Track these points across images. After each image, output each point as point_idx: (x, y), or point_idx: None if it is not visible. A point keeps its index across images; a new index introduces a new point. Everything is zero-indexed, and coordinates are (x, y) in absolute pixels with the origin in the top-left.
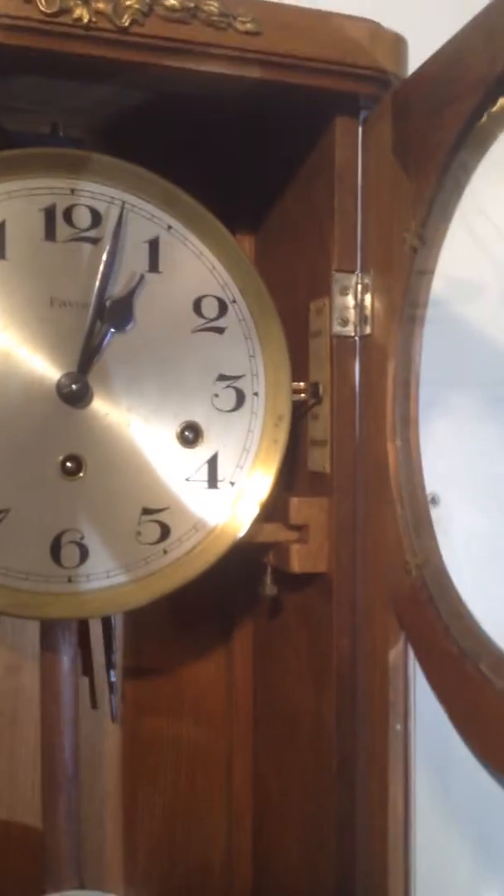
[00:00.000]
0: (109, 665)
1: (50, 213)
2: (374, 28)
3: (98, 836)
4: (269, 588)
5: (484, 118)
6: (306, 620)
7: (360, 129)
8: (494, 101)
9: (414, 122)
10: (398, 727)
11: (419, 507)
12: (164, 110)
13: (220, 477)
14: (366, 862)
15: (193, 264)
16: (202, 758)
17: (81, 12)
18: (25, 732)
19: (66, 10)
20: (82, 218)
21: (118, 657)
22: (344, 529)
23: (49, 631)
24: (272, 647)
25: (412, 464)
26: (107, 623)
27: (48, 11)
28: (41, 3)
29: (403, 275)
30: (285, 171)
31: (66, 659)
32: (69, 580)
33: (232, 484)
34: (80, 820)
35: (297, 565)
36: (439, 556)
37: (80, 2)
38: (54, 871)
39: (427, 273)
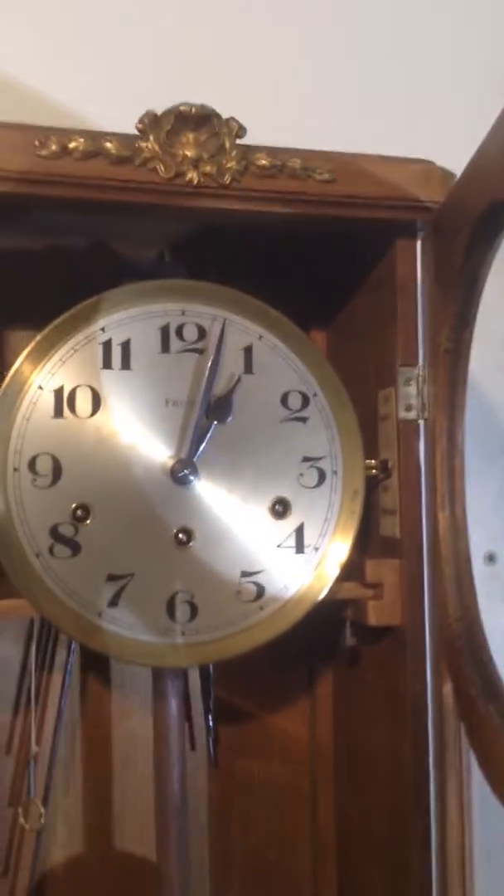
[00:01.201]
0: (207, 710)
1: (165, 331)
2: (429, 167)
3: (195, 868)
4: (349, 639)
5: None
6: (382, 668)
7: (418, 247)
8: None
9: (440, 246)
10: (458, 760)
11: (462, 568)
12: (253, 238)
13: (306, 543)
14: (440, 876)
15: (281, 365)
16: (289, 795)
17: (192, 175)
18: (136, 771)
19: (180, 174)
20: (191, 333)
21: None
22: (413, 587)
23: (160, 679)
24: (351, 693)
25: (458, 530)
26: (205, 672)
27: (166, 177)
28: (161, 171)
29: (443, 371)
30: (354, 279)
31: (175, 704)
32: (182, 633)
33: (316, 549)
34: (189, 847)
35: (373, 619)
36: (476, 610)
37: (191, 167)
38: (167, 891)
39: (460, 370)
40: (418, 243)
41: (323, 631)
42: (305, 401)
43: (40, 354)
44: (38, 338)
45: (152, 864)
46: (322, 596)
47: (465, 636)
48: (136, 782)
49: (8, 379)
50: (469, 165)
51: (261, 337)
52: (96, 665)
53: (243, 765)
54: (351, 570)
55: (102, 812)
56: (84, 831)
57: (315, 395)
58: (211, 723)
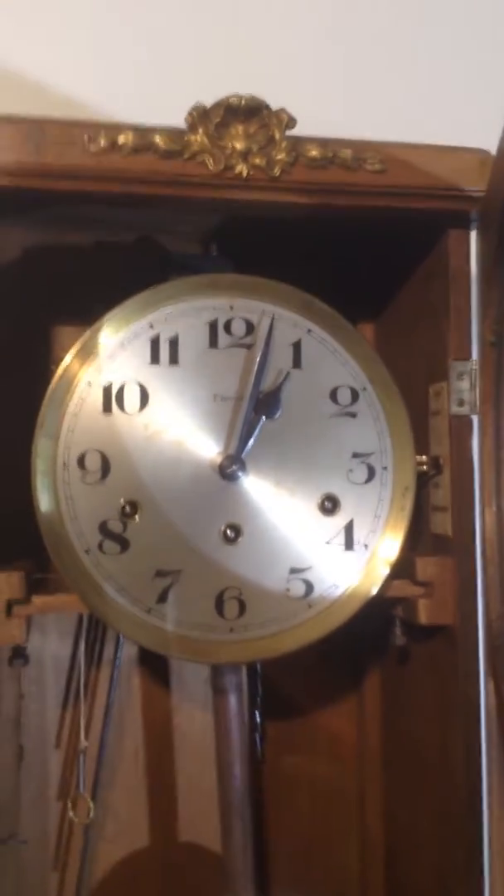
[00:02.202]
0: (254, 707)
1: (213, 327)
2: (483, 156)
3: None
4: (399, 638)
5: None
6: (433, 667)
7: (470, 238)
8: None
9: (482, 237)
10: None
11: None
12: (301, 230)
13: (355, 540)
14: (491, 880)
15: (330, 360)
16: (336, 794)
17: (242, 168)
18: (187, 767)
19: (230, 167)
20: (239, 328)
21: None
22: (465, 585)
23: (219, 676)
24: (400, 692)
25: (502, 528)
26: (252, 670)
27: (216, 170)
28: (210, 164)
29: (489, 365)
30: (403, 270)
31: (234, 698)
32: (231, 630)
33: (366, 546)
34: (252, 838)
35: (424, 618)
36: None
37: (240, 159)
38: (232, 886)
39: None
40: (472, 234)
41: (372, 628)
42: (355, 396)
43: (89, 351)
44: (87, 334)
45: (202, 859)
46: (372, 594)
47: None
48: (188, 778)
49: (57, 375)
50: (498, 154)
51: (309, 331)
52: (147, 660)
53: (290, 762)
54: (401, 568)
55: (152, 807)
56: (132, 827)
57: (364, 389)
58: (258, 719)
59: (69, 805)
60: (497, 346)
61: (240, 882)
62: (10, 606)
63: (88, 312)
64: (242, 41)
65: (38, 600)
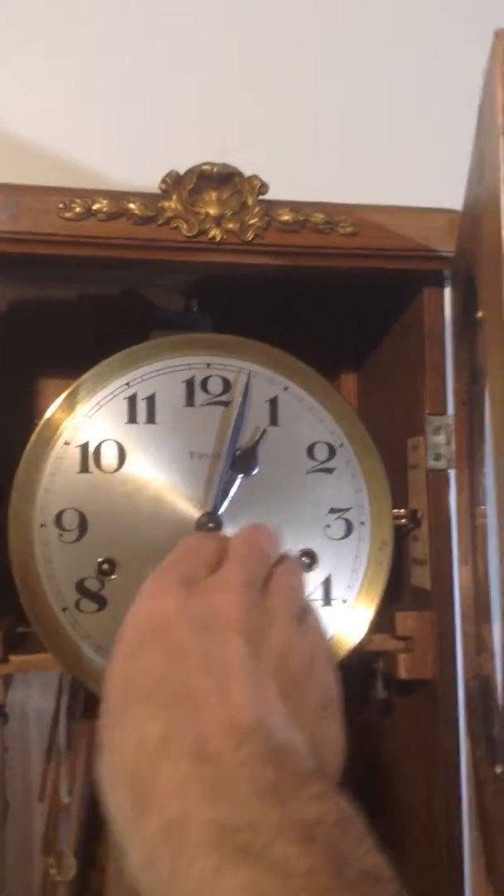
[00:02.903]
0: None
1: (190, 384)
2: (453, 216)
3: None
4: (381, 692)
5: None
6: (414, 722)
7: (446, 296)
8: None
9: (456, 294)
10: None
11: (481, 625)
12: (278, 289)
13: (333, 596)
14: None
15: (307, 417)
16: None
17: (215, 232)
18: None
19: (203, 232)
20: (216, 386)
21: None
22: (445, 640)
23: None
24: (382, 745)
25: (479, 586)
26: None
27: (189, 234)
28: (184, 229)
29: (464, 423)
30: (382, 324)
31: None
32: None
33: (344, 601)
34: None
35: (404, 672)
36: (491, 668)
37: (213, 225)
38: None
39: (476, 421)
40: (446, 292)
41: (352, 683)
42: (332, 451)
43: (66, 410)
44: (65, 394)
45: None
46: (351, 649)
47: (479, 695)
48: None
49: (35, 435)
50: (463, 217)
51: (286, 388)
52: None
53: None
54: (382, 622)
55: None
56: (118, 881)
57: (342, 445)
58: None
59: (51, 862)
60: (468, 405)
61: None
62: None
63: (73, 365)
64: (218, 107)
65: (16, 659)
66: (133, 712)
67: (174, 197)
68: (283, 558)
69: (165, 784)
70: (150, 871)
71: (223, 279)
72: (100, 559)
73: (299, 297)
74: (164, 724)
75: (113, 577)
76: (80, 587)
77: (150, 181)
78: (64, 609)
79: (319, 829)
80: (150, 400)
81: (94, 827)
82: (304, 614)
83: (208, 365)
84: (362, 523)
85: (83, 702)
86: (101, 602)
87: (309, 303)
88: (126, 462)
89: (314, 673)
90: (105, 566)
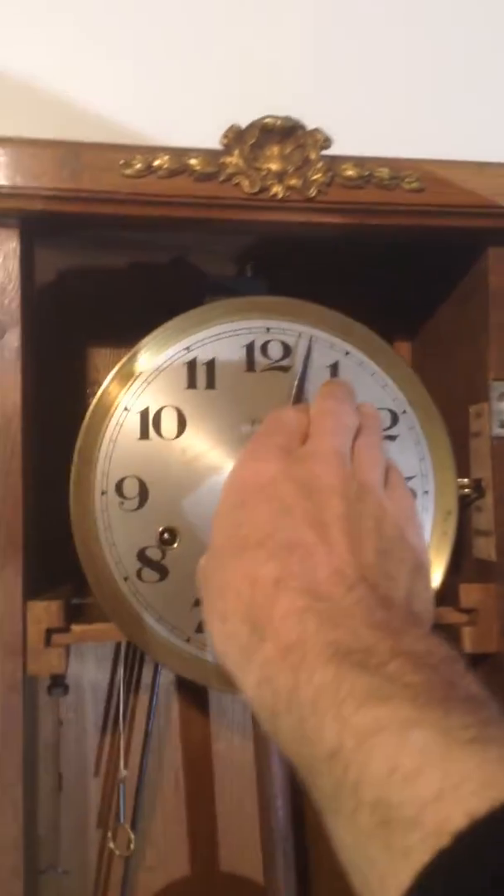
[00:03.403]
0: None
1: (250, 349)
2: None
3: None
4: None
5: None
6: None
7: None
8: None
9: None
10: None
11: None
12: (335, 251)
13: None
14: None
15: (368, 382)
16: None
17: (277, 189)
18: (231, 796)
19: (265, 189)
20: (276, 351)
21: None
22: None
23: None
24: None
25: None
26: None
27: (251, 191)
28: (245, 186)
29: None
30: (441, 289)
31: None
32: None
33: None
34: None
35: (468, 646)
36: None
37: (275, 181)
38: None
39: None
40: None
41: None
42: (394, 418)
43: (126, 376)
44: (124, 359)
45: (244, 889)
46: None
47: None
48: (228, 806)
49: (94, 401)
50: None
51: (347, 353)
52: (186, 686)
53: None
54: (445, 595)
55: (192, 836)
56: (172, 856)
57: (404, 412)
58: None
59: (109, 836)
60: None
61: None
62: (49, 635)
63: (123, 334)
64: (275, 61)
65: (77, 629)
66: (246, 555)
67: (235, 152)
68: (362, 427)
69: (283, 614)
70: (267, 688)
71: (276, 243)
72: (161, 528)
73: (353, 264)
74: (278, 568)
75: (174, 546)
76: (142, 556)
77: (208, 140)
78: (125, 578)
79: (429, 659)
80: (210, 365)
81: (149, 802)
82: (390, 481)
83: (268, 329)
84: (426, 492)
85: (140, 673)
86: (162, 572)
87: (362, 270)
88: (186, 429)
89: (407, 536)
90: (166, 535)
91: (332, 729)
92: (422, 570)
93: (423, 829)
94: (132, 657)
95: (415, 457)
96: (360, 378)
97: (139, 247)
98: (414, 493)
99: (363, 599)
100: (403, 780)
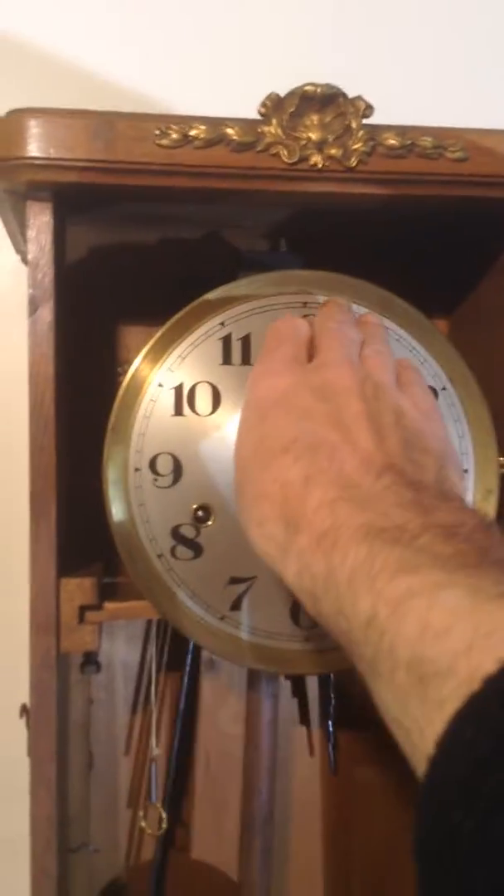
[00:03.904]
0: (327, 716)
1: None
2: None
3: (311, 877)
4: None
5: None
6: None
7: None
8: None
9: None
10: None
11: None
12: (372, 223)
13: None
14: None
15: (408, 357)
16: (412, 806)
17: (317, 159)
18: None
19: (304, 159)
20: None
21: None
22: None
23: (255, 680)
24: None
25: None
26: (325, 678)
27: (290, 161)
28: (284, 156)
29: None
30: (482, 263)
31: (268, 707)
32: (306, 639)
33: None
34: (273, 860)
35: None
36: None
37: (315, 150)
38: None
39: None
40: None
41: None
42: (435, 395)
43: (159, 351)
44: (158, 335)
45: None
46: None
47: None
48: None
49: (128, 377)
50: None
51: (386, 328)
52: (216, 666)
53: (364, 774)
54: None
55: (221, 816)
56: (202, 836)
57: (444, 389)
58: (331, 728)
59: (140, 815)
60: None
61: None
62: (82, 612)
63: (153, 312)
64: (313, 28)
65: (110, 606)
66: (275, 464)
67: (274, 121)
68: (367, 337)
69: (315, 506)
70: (305, 576)
71: (310, 217)
72: (195, 505)
73: (390, 239)
74: (306, 467)
75: (209, 523)
76: (176, 534)
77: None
78: (159, 556)
79: (461, 530)
80: (245, 340)
81: (180, 781)
82: (406, 380)
83: (304, 304)
84: (466, 471)
85: (170, 653)
86: (196, 549)
87: (399, 245)
88: (221, 405)
89: (428, 429)
90: (200, 513)
91: (366, 601)
92: (448, 457)
93: (455, 679)
94: (163, 637)
95: (455, 434)
96: (398, 353)
97: (170, 222)
98: (434, 392)
99: (392, 484)
100: (435, 637)
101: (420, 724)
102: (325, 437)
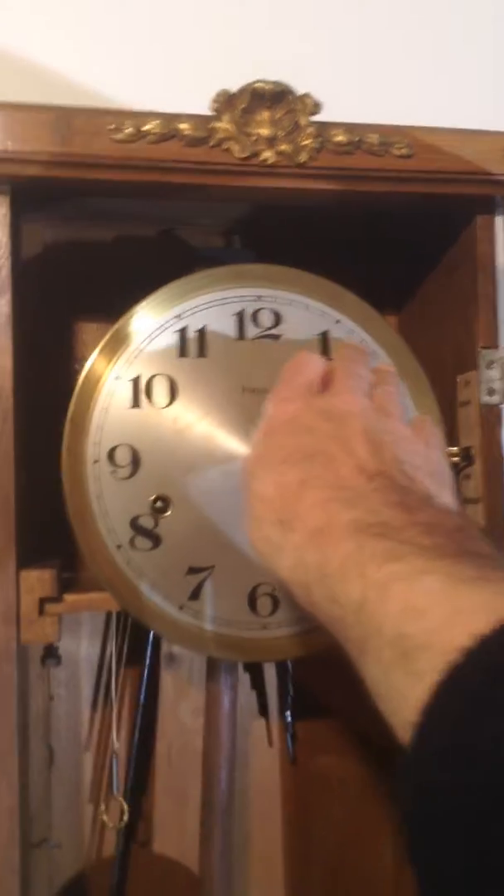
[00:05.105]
0: (285, 707)
1: (240, 317)
2: None
3: (271, 866)
4: None
5: None
6: None
7: (497, 224)
8: None
9: None
10: None
11: None
12: (322, 220)
13: None
14: None
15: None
16: (370, 795)
17: (267, 155)
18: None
19: (255, 154)
20: (266, 319)
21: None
22: None
23: (213, 672)
24: None
25: None
26: (283, 668)
27: (241, 157)
28: (236, 151)
29: None
30: (429, 259)
31: (227, 698)
32: (264, 627)
33: None
34: (233, 851)
35: None
36: None
37: (266, 146)
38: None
39: None
40: (497, 220)
41: None
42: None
43: (116, 344)
44: (114, 328)
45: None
46: None
47: None
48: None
49: (85, 370)
50: None
51: (338, 322)
52: (177, 659)
53: (322, 763)
54: None
55: (182, 810)
56: (164, 829)
57: None
58: (289, 719)
59: (102, 808)
60: None
61: (216, 891)
62: (42, 605)
63: (109, 308)
64: (264, 27)
65: (70, 598)
66: (274, 470)
67: (225, 117)
68: (380, 380)
69: (309, 505)
70: (300, 568)
71: (263, 215)
72: (153, 496)
73: (339, 237)
74: (302, 472)
75: (167, 514)
76: (135, 524)
77: (197, 107)
78: (118, 546)
79: (442, 528)
80: (201, 333)
81: (141, 775)
82: (415, 424)
83: (259, 297)
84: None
85: (131, 647)
86: (155, 540)
87: (349, 243)
88: (178, 397)
89: (426, 452)
90: (158, 503)
91: (356, 587)
92: (441, 476)
93: (434, 651)
94: (123, 630)
95: None
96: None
97: (126, 220)
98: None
99: (382, 487)
100: (416, 615)
101: (404, 694)
102: (323, 448)
